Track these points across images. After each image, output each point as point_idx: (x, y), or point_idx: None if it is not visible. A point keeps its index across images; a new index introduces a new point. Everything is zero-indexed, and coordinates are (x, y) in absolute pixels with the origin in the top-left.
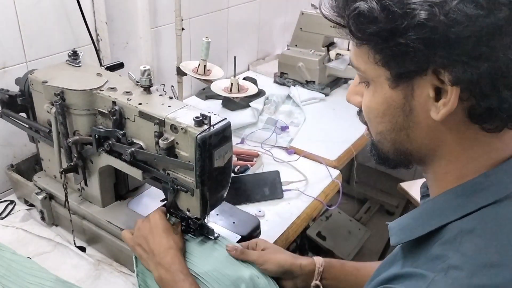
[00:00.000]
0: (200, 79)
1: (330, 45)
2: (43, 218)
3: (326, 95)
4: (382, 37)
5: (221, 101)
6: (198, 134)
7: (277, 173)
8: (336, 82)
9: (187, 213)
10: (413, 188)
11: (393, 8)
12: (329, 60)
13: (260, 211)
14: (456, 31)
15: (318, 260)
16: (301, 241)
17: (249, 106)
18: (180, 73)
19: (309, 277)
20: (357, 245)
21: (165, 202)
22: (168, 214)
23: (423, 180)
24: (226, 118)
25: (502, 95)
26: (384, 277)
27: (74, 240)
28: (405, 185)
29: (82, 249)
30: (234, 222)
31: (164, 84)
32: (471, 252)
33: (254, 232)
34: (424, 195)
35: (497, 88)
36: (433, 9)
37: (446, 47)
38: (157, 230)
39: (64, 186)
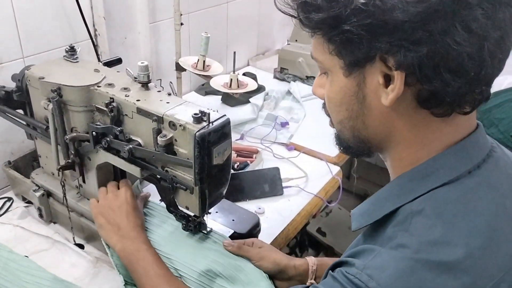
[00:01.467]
0: (199, 75)
1: None
2: (41, 216)
3: None
4: (328, 25)
5: (220, 97)
6: (197, 131)
7: (277, 169)
8: None
9: (186, 210)
10: None
11: None
12: None
13: (260, 208)
14: (393, 16)
15: (311, 260)
16: (301, 237)
17: (249, 102)
18: (179, 68)
19: (304, 277)
20: None
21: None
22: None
23: None
24: (225, 115)
25: (444, 78)
26: (341, 258)
27: (73, 238)
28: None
29: (81, 246)
30: (233, 220)
31: (160, 80)
32: (418, 232)
33: (254, 230)
34: None
35: (439, 71)
36: None
37: (386, 32)
38: (127, 207)
39: (62, 183)
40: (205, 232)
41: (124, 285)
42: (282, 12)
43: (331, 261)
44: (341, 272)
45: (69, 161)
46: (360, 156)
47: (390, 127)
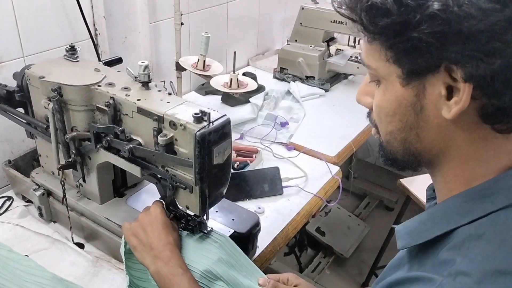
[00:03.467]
0: (199, 75)
1: (330, 40)
2: (41, 215)
3: (326, 90)
4: (394, 30)
5: (220, 96)
6: (198, 131)
7: (276, 169)
8: (336, 77)
9: (186, 210)
10: (413, 184)
11: (406, 0)
12: (329, 55)
13: (259, 208)
14: (469, 25)
15: None
16: (300, 236)
17: (249, 101)
18: (179, 68)
19: None
20: (356, 241)
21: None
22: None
23: (423, 176)
24: (225, 115)
25: None
26: (390, 281)
27: (72, 237)
28: (405, 181)
29: (81, 245)
30: (233, 219)
31: (164, 81)
32: (479, 258)
33: (254, 229)
34: (430, 197)
35: (510, 86)
36: (446, 0)
37: (459, 41)
38: (157, 224)
39: (62, 183)
40: (205, 231)
41: (128, 286)
42: (340, 14)
43: None
44: None
45: (70, 160)
46: (405, 169)
47: (447, 141)
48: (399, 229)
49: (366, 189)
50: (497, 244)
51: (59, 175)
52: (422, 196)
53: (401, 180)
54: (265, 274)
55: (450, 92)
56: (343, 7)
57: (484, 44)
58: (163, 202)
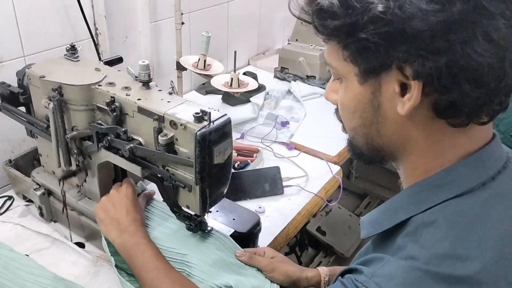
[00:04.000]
0: (200, 74)
1: None
2: (41, 214)
3: None
4: (344, 32)
5: (221, 96)
6: (198, 131)
7: (277, 169)
8: None
9: (187, 209)
10: None
11: (352, 2)
12: None
13: (260, 207)
14: (412, 25)
15: (323, 271)
16: (301, 236)
17: (249, 101)
18: (180, 67)
19: (315, 283)
20: (357, 240)
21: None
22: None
23: None
24: (226, 114)
25: (463, 89)
26: (351, 266)
27: (70, 236)
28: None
29: (81, 245)
30: (234, 219)
31: (172, 81)
32: (429, 243)
33: (255, 229)
34: None
35: (458, 82)
36: (388, 2)
37: (404, 41)
38: (127, 201)
39: (63, 193)
40: (206, 231)
41: (115, 266)
42: (296, 17)
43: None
44: (350, 279)
45: (71, 169)
46: (372, 163)
47: (405, 136)
48: (363, 220)
49: (367, 188)
50: (447, 230)
51: (59, 185)
52: None
53: (400, 179)
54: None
55: (404, 89)
56: (299, 10)
57: (428, 43)
58: (132, 180)
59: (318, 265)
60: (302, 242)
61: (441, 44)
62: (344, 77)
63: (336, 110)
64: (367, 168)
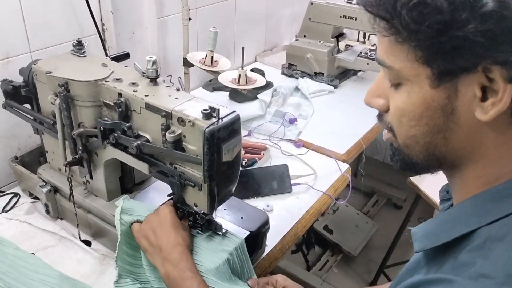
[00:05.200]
0: (207, 71)
1: (339, 36)
2: (47, 211)
3: (335, 87)
4: (436, 29)
5: (228, 93)
6: (207, 127)
7: (285, 166)
8: (345, 74)
9: (195, 208)
10: (423, 182)
11: None
12: (339, 51)
13: (268, 206)
14: None
15: None
16: (308, 234)
17: (257, 98)
18: (187, 64)
19: None
20: (364, 239)
21: (172, 196)
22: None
23: (433, 174)
24: (235, 111)
25: None
26: (408, 284)
27: (79, 234)
28: (414, 179)
29: (88, 243)
30: (242, 217)
31: (171, 76)
32: (501, 260)
33: (263, 228)
34: (444, 199)
35: None
36: None
37: (508, 41)
38: (166, 225)
39: (69, 180)
40: (221, 233)
41: (116, 280)
42: (369, 12)
43: None
44: None
45: (76, 157)
46: (422, 173)
47: (476, 143)
48: (416, 231)
49: (375, 187)
50: None
51: (66, 171)
52: (432, 194)
53: (410, 178)
54: (273, 273)
55: (484, 93)
56: (373, 5)
57: None
58: (172, 201)
59: (325, 264)
60: (309, 240)
61: None
62: (409, 80)
63: (380, 117)
64: (374, 166)
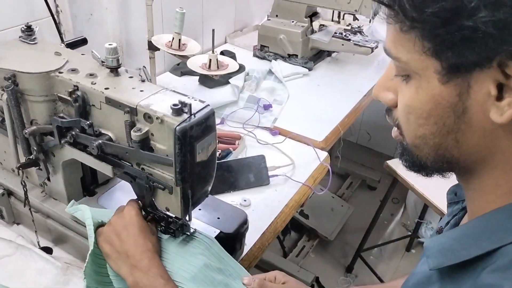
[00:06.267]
0: (175, 55)
1: (313, 15)
2: (2, 217)
3: (310, 69)
4: (443, 18)
5: (197, 77)
6: (177, 125)
7: (262, 157)
8: (319, 55)
9: (166, 212)
10: (399, 165)
11: None
12: (312, 31)
13: (245, 200)
14: None
15: None
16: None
17: (229, 83)
18: (152, 48)
19: None
20: (340, 223)
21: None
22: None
23: None
24: (208, 105)
25: None
26: None
27: (38, 242)
28: (392, 162)
29: (48, 250)
30: (218, 218)
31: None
32: None
33: (241, 228)
34: (452, 202)
35: None
36: None
37: None
38: (133, 228)
39: (23, 183)
40: (188, 233)
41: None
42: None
43: None
44: None
45: (30, 157)
46: (432, 175)
47: (492, 147)
48: (429, 246)
49: (349, 168)
50: None
51: (18, 175)
52: (409, 178)
53: (388, 162)
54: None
55: (500, 91)
56: None
57: None
58: (139, 201)
59: (302, 250)
60: (285, 226)
61: None
62: (417, 73)
63: (389, 111)
64: (348, 148)
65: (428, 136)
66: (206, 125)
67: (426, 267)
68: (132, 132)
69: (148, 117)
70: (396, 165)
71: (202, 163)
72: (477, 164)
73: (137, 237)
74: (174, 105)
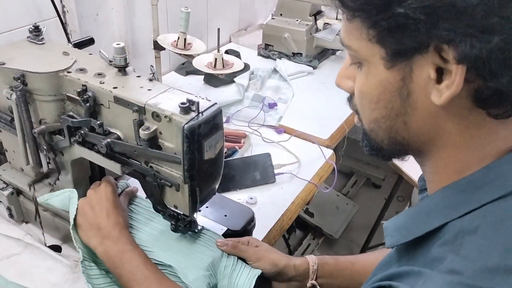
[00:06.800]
0: (181, 54)
1: (317, 14)
2: (11, 215)
3: (314, 68)
4: (377, 6)
5: (203, 76)
6: (185, 123)
7: (268, 155)
8: (324, 53)
9: (175, 209)
10: (405, 163)
11: None
12: (317, 30)
13: (251, 198)
14: None
15: (311, 259)
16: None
17: (234, 82)
18: (158, 47)
19: (304, 277)
20: (345, 220)
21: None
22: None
23: None
24: (216, 103)
25: None
26: (379, 277)
27: (44, 242)
28: (396, 160)
29: (57, 249)
30: (226, 215)
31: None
32: (472, 255)
33: (249, 225)
34: (422, 188)
35: (509, 65)
36: None
37: (451, 17)
38: (107, 203)
39: (34, 198)
40: (196, 231)
41: (82, 261)
42: None
43: (332, 259)
44: None
45: (41, 171)
46: (391, 159)
47: (437, 128)
48: (387, 226)
49: (353, 167)
50: (491, 239)
51: (30, 190)
52: (414, 175)
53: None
54: None
55: (440, 75)
56: None
57: (480, 19)
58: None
59: (307, 248)
60: (290, 224)
61: (496, 20)
62: (366, 60)
63: (350, 99)
64: (352, 146)
65: (380, 120)
66: (213, 123)
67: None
68: (140, 130)
69: (156, 116)
70: (401, 162)
71: (210, 161)
72: (426, 145)
73: (110, 212)
74: (182, 103)
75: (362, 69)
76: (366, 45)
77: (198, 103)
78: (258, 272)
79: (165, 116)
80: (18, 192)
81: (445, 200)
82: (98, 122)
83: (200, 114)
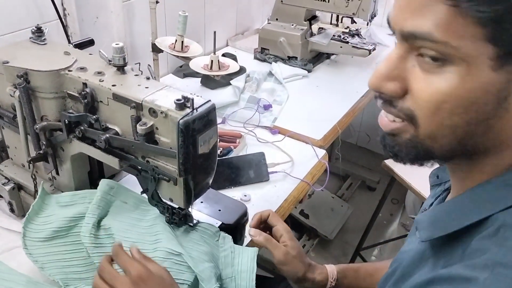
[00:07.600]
0: (178, 56)
1: (312, 18)
2: (12, 210)
3: (309, 71)
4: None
5: (200, 79)
6: (181, 119)
7: (262, 154)
8: (318, 57)
9: (170, 203)
10: (397, 164)
11: None
12: (312, 34)
13: (245, 195)
14: None
15: (332, 273)
16: (284, 220)
17: (230, 84)
18: (156, 50)
19: (320, 286)
20: (340, 222)
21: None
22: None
23: None
24: (210, 100)
25: None
26: (417, 282)
27: None
28: (389, 161)
29: None
30: (220, 210)
31: (139, 63)
32: None
33: (242, 219)
34: (435, 184)
35: None
36: None
37: None
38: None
39: (33, 177)
40: (191, 224)
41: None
42: None
43: (352, 271)
44: None
45: (41, 152)
46: (427, 162)
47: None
48: (421, 219)
49: (348, 170)
50: None
51: (29, 168)
52: (406, 176)
53: (385, 161)
54: None
55: None
56: None
57: None
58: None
59: (302, 248)
60: (284, 221)
61: None
62: (464, 60)
63: (389, 103)
64: (347, 149)
65: (461, 125)
66: (207, 119)
67: (415, 245)
68: (137, 126)
69: (153, 112)
70: (394, 163)
71: (204, 155)
72: (495, 147)
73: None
74: (178, 100)
75: (449, 68)
76: (472, 43)
77: (192, 99)
78: (256, 250)
79: (161, 112)
80: (19, 187)
81: (486, 195)
82: (94, 117)
83: (195, 110)
